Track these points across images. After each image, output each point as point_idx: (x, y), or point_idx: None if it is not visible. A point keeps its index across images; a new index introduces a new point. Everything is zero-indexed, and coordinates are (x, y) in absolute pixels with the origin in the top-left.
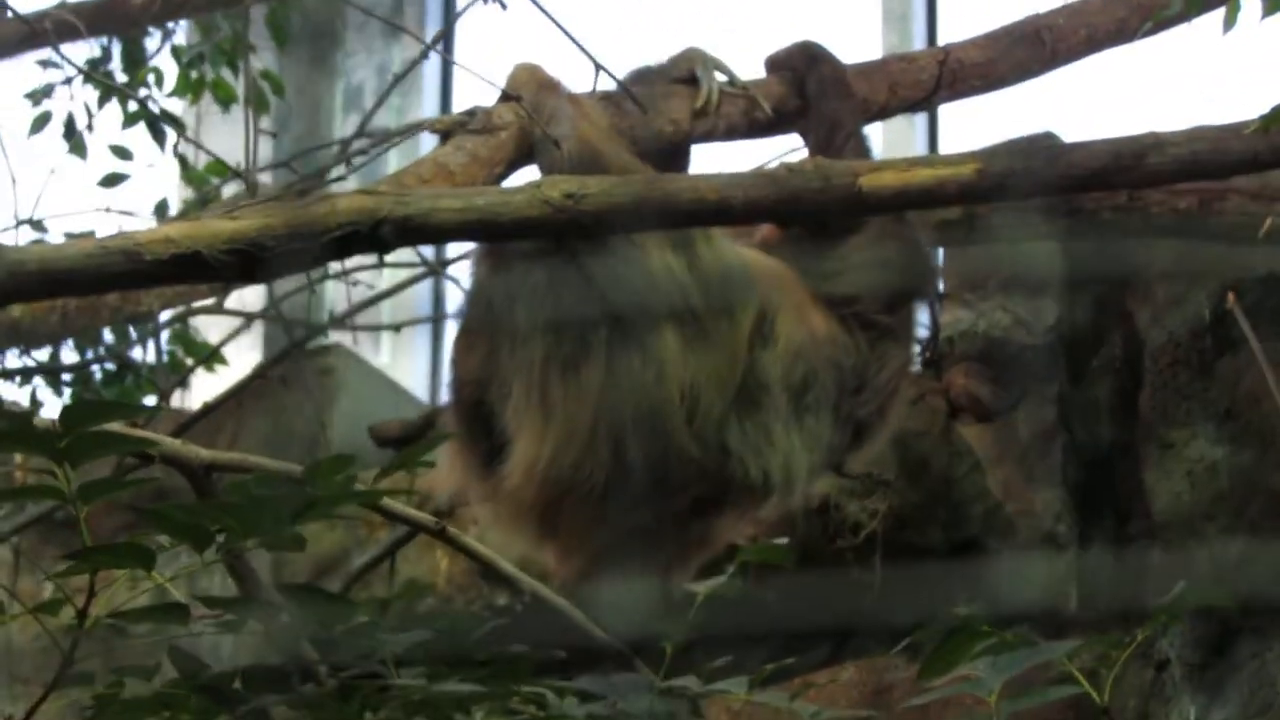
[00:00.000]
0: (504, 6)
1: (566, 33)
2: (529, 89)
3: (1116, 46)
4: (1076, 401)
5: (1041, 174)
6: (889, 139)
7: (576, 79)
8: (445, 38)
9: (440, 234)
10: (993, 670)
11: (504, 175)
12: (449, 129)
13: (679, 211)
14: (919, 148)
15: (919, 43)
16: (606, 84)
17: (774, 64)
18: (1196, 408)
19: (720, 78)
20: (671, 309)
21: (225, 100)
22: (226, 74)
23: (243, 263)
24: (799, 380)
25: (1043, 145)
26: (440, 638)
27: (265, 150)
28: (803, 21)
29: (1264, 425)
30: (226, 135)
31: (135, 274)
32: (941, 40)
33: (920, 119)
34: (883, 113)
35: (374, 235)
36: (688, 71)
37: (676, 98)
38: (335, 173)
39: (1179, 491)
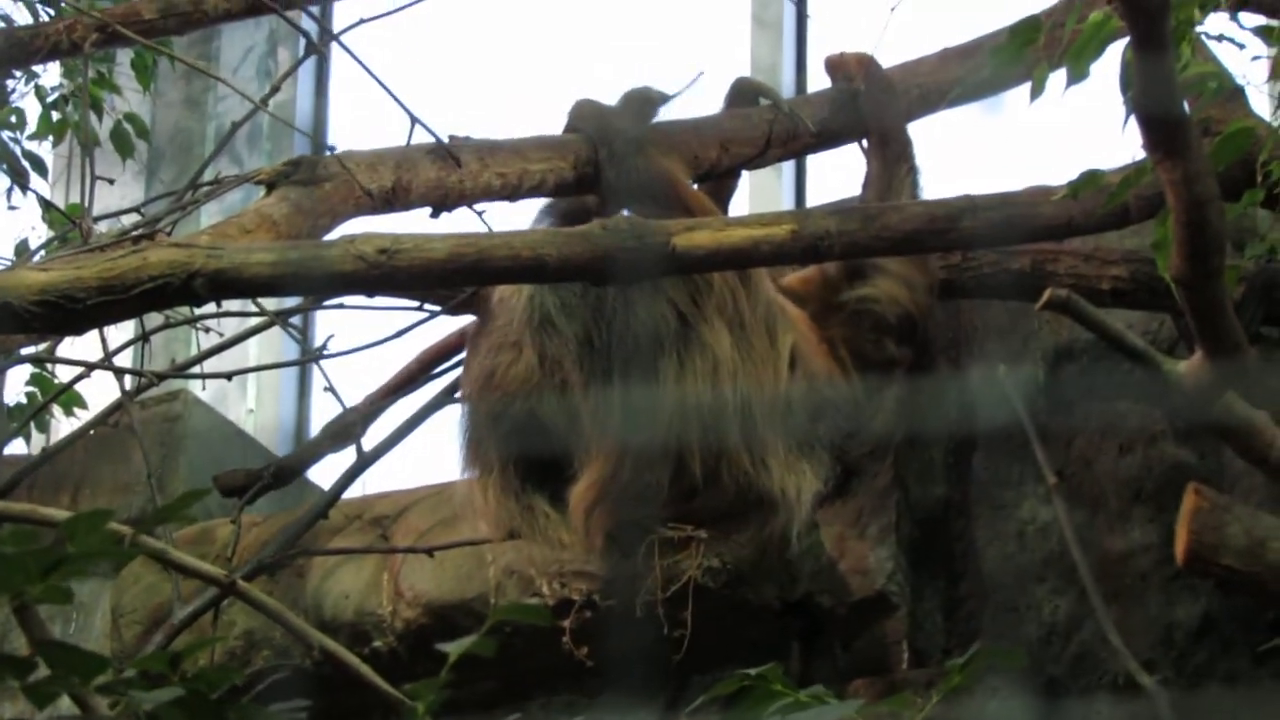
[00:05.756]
0: (321, 56)
1: (386, 88)
2: (592, 120)
3: (950, 108)
4: (911, 459)
5: (856, 236)
6: (755, 187)
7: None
8: (320, 76)
9: (254, 287)
10: None
11: (330, 227)
12: (273, 180)
13: (493, 269)
14: (786, 198)
15: (788, 52)
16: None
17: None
18: (1029, 468)
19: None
20: (728, 324)
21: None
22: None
23: (53, 314)
24: (814, 409)
25: (858, 206)
26: (195, 696)
27: (133, 192)
28: (671, 30)
29: (1095, 487)
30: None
31: None
32: (811, 50)
33: (788, 167)
34: (713, 170)
35: (186, 288)
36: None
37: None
38: (166, 221)
39: (1010, 552)
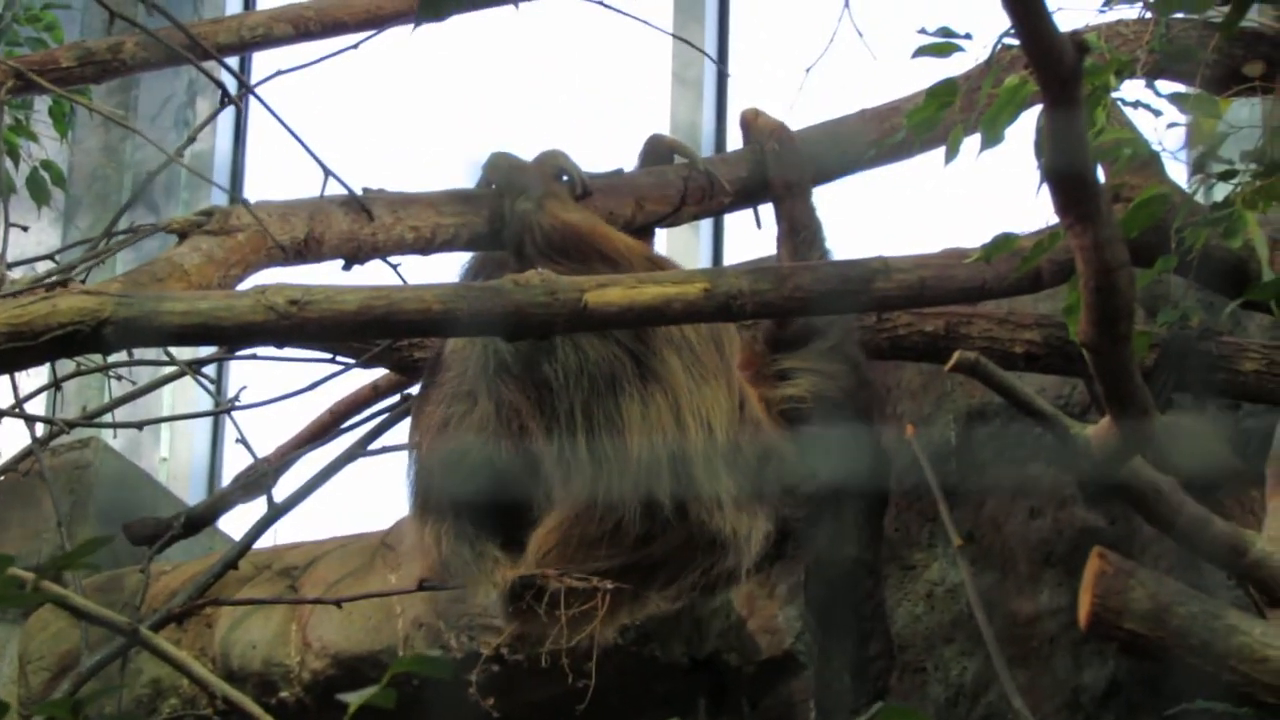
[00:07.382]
0: (237, 107)
1: (300, 140)
2: (502, 174)
3: (870, 168)
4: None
5: (768, 296)
6: (673, 245)
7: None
8: (237, 126)
9: (164, 336)
10: None
11: (242, 277)
12: (185, 229)
13: (404, 321)
14: (704, 256)
15: (708, 111)
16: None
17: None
18: (939, 530)
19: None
20: (677, 350)
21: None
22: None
23: None
24: (761, 452)
25: (771, 266)
26: None
27: (49, 239)
28: (593, 86)
29: (1005, 549)
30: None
31: None
32: (731, 109)
33: (706, 225)
34: (628, 226)
35: (96, 336)
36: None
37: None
38: (81, 268)
39: (919, 613)
